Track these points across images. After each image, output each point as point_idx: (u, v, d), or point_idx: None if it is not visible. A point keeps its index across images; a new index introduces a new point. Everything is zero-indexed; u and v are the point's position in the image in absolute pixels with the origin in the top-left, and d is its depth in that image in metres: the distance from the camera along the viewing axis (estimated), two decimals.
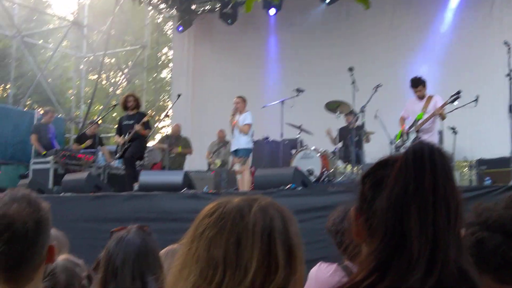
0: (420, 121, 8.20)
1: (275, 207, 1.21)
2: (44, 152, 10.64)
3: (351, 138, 9.09)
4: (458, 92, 7.96)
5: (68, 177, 8.64)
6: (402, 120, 8.61)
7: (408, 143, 8.25)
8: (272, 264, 1.13)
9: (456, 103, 8.06)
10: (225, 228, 1.15)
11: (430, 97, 8.35)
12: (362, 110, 8.48)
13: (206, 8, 16.08)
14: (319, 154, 9.29)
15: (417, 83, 8.36)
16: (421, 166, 1.09)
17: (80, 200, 7.67)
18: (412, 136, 8.24)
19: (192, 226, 1.22)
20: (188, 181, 7.55)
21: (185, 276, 1.16)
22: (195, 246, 1.17)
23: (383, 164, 1.19)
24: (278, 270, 1.13)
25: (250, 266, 1.11)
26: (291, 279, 1.15)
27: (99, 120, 11.85)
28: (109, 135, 21.82)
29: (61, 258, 2.03)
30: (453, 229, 1.08)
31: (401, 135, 8.47)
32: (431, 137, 8.19)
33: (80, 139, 11.54)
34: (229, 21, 14.48)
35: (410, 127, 8.34)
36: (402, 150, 8.14)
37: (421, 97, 8.41)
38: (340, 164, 9.81)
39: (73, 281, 1.99)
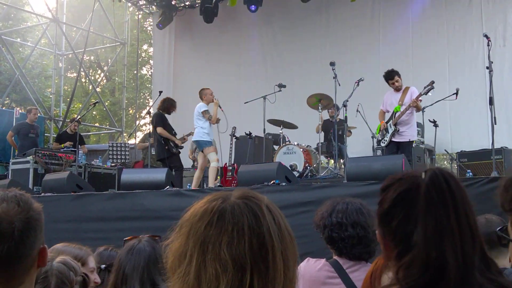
0: (397, 114, 8.19)
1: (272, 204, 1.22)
2: (17, 150, 10.69)
3: (334, 133, 9.09)
4: (432, 83, 7.96)
5: (48, 176, 8.49)
6: (382, 113, 8.58)
7: (387, 137, 8.25)
8: (269, 270, 1.12)
9: (430, 93, 8.07)
10: (242, 230, 1.14)
11: (407, 89, 8.31)
12: (344, 105, 8.47)
13: (186, 4, 15.96)
14: (301, 149, 9.28)
15: (392, 75, 8.31)
16: (444, 201, 1.22)
17: (61, 200, 7.53)
18: (391, 130, 8.23)
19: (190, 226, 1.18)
20: (170, 179, 7.49)
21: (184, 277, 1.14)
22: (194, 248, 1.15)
23: (387, 188, 1.34)
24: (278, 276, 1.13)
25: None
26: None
27: (79, 118, 11.68)
28: (89, 133, 21.66)
29: (58, 260, 1.99)
30: (478, 247, 1.23)
31: (380, 129, 8.46)
32: (409, 129, 8.20)
33: (61, 137, 11.39)
34: (208, 20, 14.34)
35: (388, 120, 8.33)
36: (382, 144, 8.23)
37: (397, 89, 8.37)
38: (322, 158, 9.82)
39: (64, 285, 1.95)
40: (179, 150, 9.57)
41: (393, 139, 8.20)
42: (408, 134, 8.18)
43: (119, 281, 2.16)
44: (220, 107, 9.28)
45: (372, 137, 9.39)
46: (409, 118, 8.19)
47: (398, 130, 8.14)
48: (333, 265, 2.64)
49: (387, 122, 8.33)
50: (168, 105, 9.74)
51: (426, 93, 8.01)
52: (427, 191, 1.23)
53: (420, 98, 8.02)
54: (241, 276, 1.09)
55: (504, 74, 10.78)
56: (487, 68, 6.99)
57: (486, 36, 7.16)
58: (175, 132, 9.75)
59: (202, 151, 9.20)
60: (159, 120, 9.56)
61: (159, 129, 9.40)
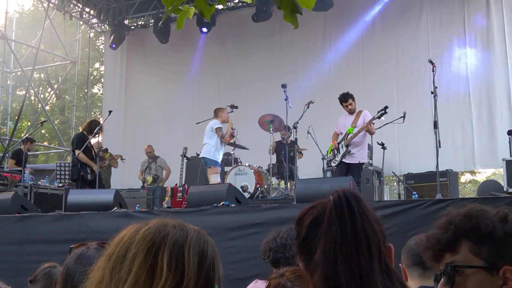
0: (349, 136, 8.36)
1: (174, 224, 1.27)
2: None
3: (285, 154, 9.17)
4: (385, 108, 8.17)
5: None
6: (335, 135, 8.76)
7: (338, 157, 8.41)
8: (155, 276, 1.17)
9: (383, 118, 8.28)
10: (122, 250, 1.21)
11: (360, 112, 8.54)
12: (294, 127, 8.57)
13: (139, 23, 15.89)
14: (253, 170, 9.31)
15: (346, 98, 8.54)
16: (343, 220, 1.26)
17: (4, 221, 7.25)
18: (342, 150, 8.39)
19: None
20: (119, 200, 7.35)
21: None
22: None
23: (301, 218, 1.37)
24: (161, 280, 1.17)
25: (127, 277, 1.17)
26: None
27: (33, 139, 11.31)
28: (38, 152, 21.11)
29: None
30: (377, 261, 1.26)
31: (332, 149, 8.61)
32: (360, 151, 8.37)
33: (20, 157, 10.85)
34: (164, 40, 14.31)
35: (340, 142, 8.49)
36: (333, 164, 8.35)
37: (351, 112, 8.57)
38: (274, 180, 9.87)
39: None
40: (95, 175, 9.16)
41: (344, 160, 8.36)
42: (359, 156, 8.35)
43: None
44: (233, 129, 9.37)
45: (323, 159, 9.51)
46: (361, 140, 8.38)
47: (350, 151, 8.30)
48: None
49: (339, 143, 8.49)
50: (93, 128, 9.32)
51: (379, 117, 8.22)
52: (329, 212, 1.29)
53: (373, 122, 8.22)
54: None
55: (450, 98, 11.14)
56: (432, 93, 7.19)
57: (431, 61, 7.36)
58: (95, 154, 9.38)
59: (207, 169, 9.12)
60: (79, 142, 9.22)
61: (78, 153, 9.07)
